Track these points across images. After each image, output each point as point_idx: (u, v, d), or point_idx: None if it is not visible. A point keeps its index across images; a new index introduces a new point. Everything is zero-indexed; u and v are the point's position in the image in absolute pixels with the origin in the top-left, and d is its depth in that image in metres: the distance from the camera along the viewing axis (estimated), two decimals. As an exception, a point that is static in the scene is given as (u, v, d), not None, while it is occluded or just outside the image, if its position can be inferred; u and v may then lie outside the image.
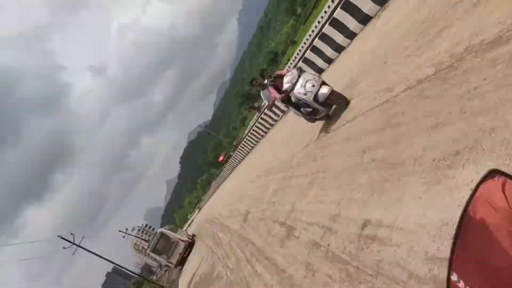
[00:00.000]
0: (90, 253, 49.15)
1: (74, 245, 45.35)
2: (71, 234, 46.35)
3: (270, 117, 21.57)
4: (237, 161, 37.10)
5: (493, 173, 1.34)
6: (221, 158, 74.52)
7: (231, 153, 50.89)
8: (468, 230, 1.34)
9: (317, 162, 7.69)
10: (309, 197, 6.93)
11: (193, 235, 34.10)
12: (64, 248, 44.28)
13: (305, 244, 5.85)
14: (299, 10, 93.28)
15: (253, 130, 26.04)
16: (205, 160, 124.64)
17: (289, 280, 5.68)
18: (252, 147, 28.57)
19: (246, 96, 76.99)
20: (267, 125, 23.05)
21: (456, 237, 1.34)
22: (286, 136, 14.86)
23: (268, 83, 8.81)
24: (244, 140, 30.64)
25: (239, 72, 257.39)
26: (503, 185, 1.29)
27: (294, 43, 76.38)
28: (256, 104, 42.89)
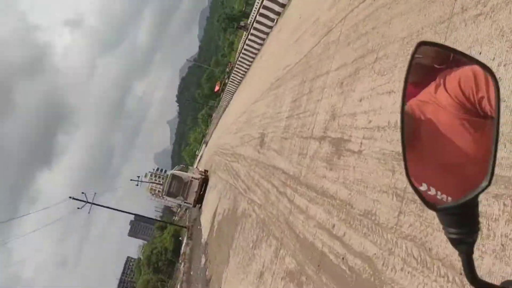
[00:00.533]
0: (108, 208, 49.09)
1: (88, 203, 45.09)
2: (82, 193, 45.95)
3: (264, 24, 18.81)
4: (234, 85, 34.55)
5: (421, 45, 1.20)
6: (217, 88, 70.89)
7: (226, 80, 48.26)
8: (424, 137, 1.24)
9: (359, 41, 5.40)
10: (360, 93, 4.76)
11: (205, 171, 32.71)
12: (78, 208, 44.04)
13: (380, 159, 3.77)
14: None
15: (246, 46, 23.33)
16: (201, 93, 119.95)
17: (368, 218, 3.67)
18: (249, 65, 25.86)
19: (229, 18, 72.05)
20: (261, 35, 20.23)
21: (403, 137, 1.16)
22: (292, 35, 12.33)
23: None
24: (238, 61, 27.95)
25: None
26: (444, 84, 1.21)
27: None
28: (242, 23, 39.39)
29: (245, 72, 27.59)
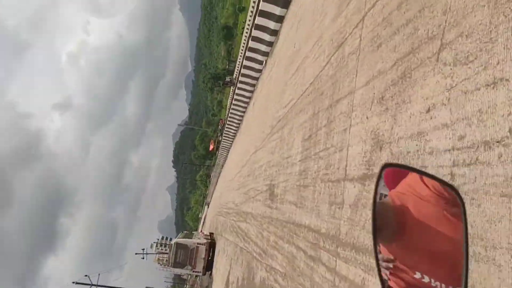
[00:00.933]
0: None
1: (93, 286, 43.59)
2: (85, 276, 44.61)
3: (252, 69, 17.52)
4: (229, 140, 33.23)
5: (387, 167, 1.39)
6: (211, 147, 70.13)
7: (220, 138, 47.16)
8: (410, 227, 1.32)
9: (399, 35, 3.85)
10: (423, 100, 3.18)
11: (211, 234, 30.68)
12: (84, 292, 42.58)
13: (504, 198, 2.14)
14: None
15: (237, 96, 22.07)
16: (196, 154, 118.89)
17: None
18: (242, 116, 24.47)
19: (214, 77, 71.61)
20: (251, 81, 18.88)
21: (375, 236, 1.29)
22: (288, 67, 10.85)
23: None
24: (229, 116, 26.76)
25: (199, 59, 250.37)
26: (421, 177, 1.34)
27: (242, 10, 70.96)
28: (228, 78, 39.29)
29: (238, 124, 26.30)
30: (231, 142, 32.35)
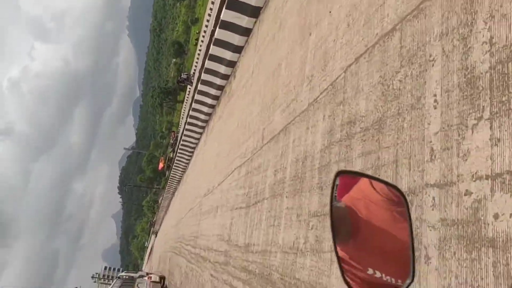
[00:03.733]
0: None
1: None
2: None
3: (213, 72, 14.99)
4: (185, 158, 29.21)
5: (340, 174, 1.53)
6: (161, 166, 63.89)
7: (171, 155, 43.09)
8: (363, 228, 1.44)
9: None
10: None
11: (162, 279, 24.32)
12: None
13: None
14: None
15: (196, 103, 19.33)
16: (143, 177, 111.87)
17: None
18: (203, 126, 21.37)
19: (164, 92, 68.00)
20: (217, 82, 16.02)
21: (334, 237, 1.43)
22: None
23: None
24: (186, 124, 22.98)
25: (147, 83, 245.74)
26: (370, 182, 1.49)
27: (196, 21, 68.34)
28: (184, 75, 34.62)
29: (200, 133, 23.20)
30: (188, 159, 28.90)
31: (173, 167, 35.38)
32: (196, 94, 18.19)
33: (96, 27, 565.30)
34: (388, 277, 1.35)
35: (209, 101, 17.50)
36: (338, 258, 1.39)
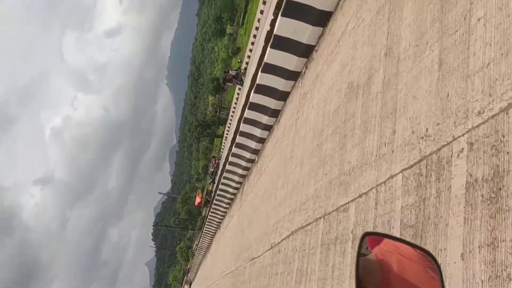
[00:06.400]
0: None
1: None
2: None
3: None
4: (229, 191, 24.52)
5: (367, 236, 1.45)
6: (197, 200, 55.66)
7: (210, 187, 37.53)
8: (393, 282, 1.36)
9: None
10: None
11: None
12: None
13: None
14: (228, 29, 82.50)
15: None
16: (177, 220, 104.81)
17: None
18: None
19: (202, 125, 63.31)
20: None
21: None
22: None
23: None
24: (233, 147, 18.41)
25: (184, 128, 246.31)
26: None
27: (238, 51, 64.70)
28: (232, 71, 27.45)
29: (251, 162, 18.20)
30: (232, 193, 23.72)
31: (213, 204, 30.09)
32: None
33: (135, 76, 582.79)
34: None
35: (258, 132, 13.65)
36: None
